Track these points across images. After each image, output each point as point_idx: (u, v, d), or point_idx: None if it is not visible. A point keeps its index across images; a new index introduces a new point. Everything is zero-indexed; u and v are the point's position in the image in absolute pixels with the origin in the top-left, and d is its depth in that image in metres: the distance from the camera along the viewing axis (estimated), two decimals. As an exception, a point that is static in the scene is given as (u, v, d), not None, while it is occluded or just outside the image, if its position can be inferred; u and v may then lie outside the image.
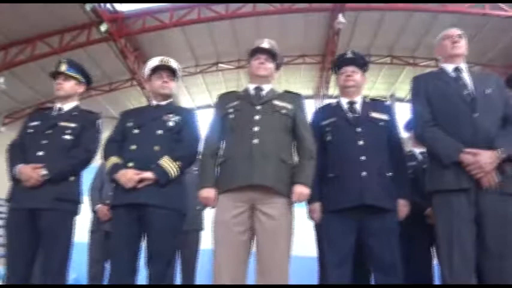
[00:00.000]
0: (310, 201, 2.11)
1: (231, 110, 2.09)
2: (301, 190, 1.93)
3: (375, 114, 2.21)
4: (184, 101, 11.18)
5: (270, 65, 2.18)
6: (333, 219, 2.07)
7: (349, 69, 2.29)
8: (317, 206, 2.14)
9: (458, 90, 2.02)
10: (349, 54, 2.33)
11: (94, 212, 3.50)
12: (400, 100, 11.33)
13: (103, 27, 7.58)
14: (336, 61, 2.41)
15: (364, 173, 2.04)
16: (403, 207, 2.12)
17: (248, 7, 7.97)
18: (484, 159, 1.85)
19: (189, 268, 3.47)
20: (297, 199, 1.93)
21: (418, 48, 9.53)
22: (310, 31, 9.05)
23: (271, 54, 2.18)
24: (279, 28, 8.83)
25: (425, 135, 2.05)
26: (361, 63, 2.34)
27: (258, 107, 2.06)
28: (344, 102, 2.28)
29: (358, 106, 2.25)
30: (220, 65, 10.08)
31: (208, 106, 11.69)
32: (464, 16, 7.96)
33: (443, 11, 7.89)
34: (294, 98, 2.17)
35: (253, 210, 1.94)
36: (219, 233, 1.93)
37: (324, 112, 2.34)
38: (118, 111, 11.15)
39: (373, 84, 11.25)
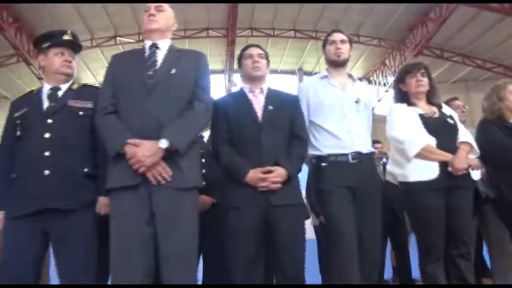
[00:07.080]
0: None
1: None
2: None
3: (74, 103, 1.89)
4: (86, 77, 10.42)
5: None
6: (12, 227, 1.77)
7: (66, 51, 1.97)
8: (1, 214, 1.82)
9: (142, 70, 1.75)
10: (68, 36, 1.98)
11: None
12: (308, 74, 11.64)
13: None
14: (40, 39, 2.02)
15: (47, 172, 1.75)
16: (102, 205, 1.83)
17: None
18: (142, 151, 1.59)
19: None
20: None
21: (319, 22, 9.73)
22: (213, 4, 8.79)
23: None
24: (181, -1, 8.46)
25: (96, 124, 1.77)
26: (77, 47, 2.05)
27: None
28: (46, 89, 1.95)
29: (60, 93, 1.93)
30: (119, 38, 9.40)
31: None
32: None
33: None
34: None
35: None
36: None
37: (20, 102, 1.97)
38: (7, 89, 10.13)
39: (281, 58, 11.38)
